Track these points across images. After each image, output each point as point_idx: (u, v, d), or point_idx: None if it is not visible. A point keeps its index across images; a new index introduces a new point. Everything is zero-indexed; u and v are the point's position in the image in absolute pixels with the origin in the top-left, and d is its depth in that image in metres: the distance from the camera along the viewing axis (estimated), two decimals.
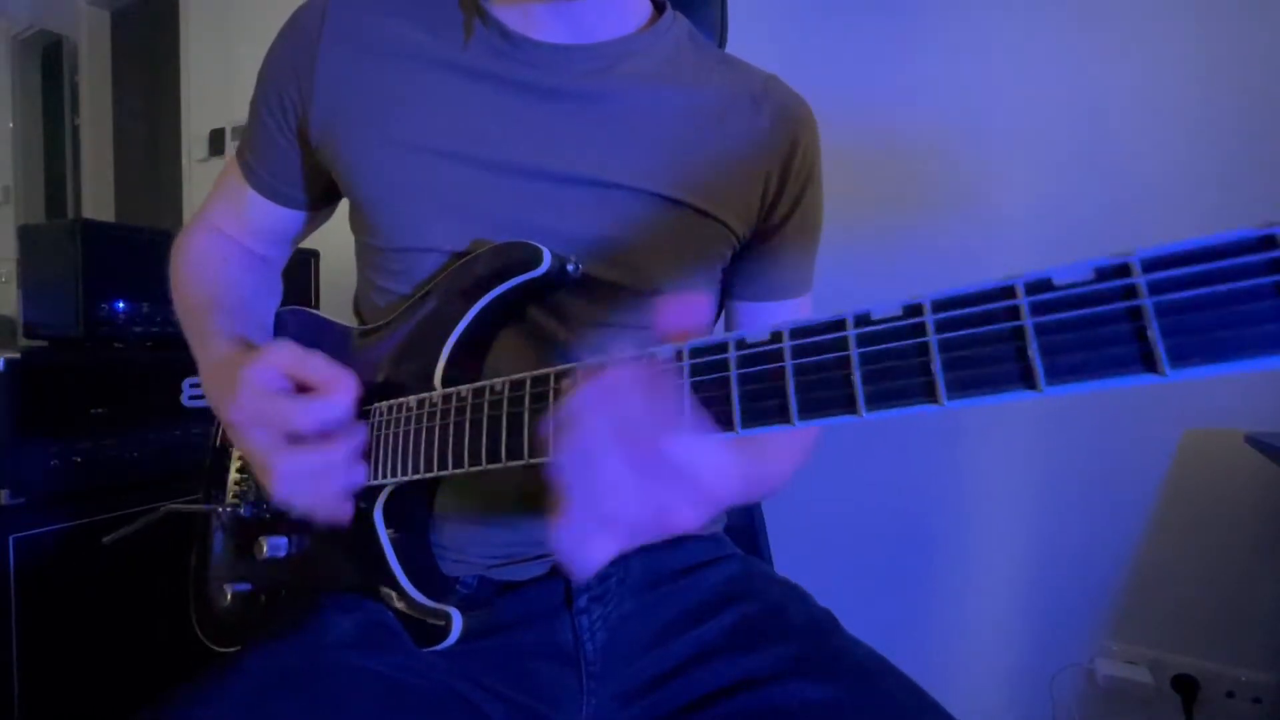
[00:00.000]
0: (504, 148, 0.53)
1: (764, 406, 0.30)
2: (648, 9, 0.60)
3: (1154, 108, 1.01)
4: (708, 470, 0.32)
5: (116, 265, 1.08)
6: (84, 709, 0.97)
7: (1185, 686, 1.00)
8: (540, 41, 0.54)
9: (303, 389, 0.46)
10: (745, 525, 0.77)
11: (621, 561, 0.55)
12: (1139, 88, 1.02)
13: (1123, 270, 0.23)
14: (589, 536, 0.33)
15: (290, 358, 0.45)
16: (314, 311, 0.65)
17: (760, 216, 0.59)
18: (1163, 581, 1.03)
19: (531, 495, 0.52)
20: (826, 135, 0.63)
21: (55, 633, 0.95)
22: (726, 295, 0.63)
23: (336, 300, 1.20)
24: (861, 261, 1.20)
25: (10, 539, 0.91)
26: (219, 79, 2.16)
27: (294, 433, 0.44)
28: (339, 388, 0.45)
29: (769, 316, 0.61)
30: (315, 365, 0.45)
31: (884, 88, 1.19)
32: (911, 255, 1.18)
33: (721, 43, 0.79)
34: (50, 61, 2.81)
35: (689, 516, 0.33)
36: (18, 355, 0.93)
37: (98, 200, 2.73)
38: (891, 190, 1.19)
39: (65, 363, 0.99)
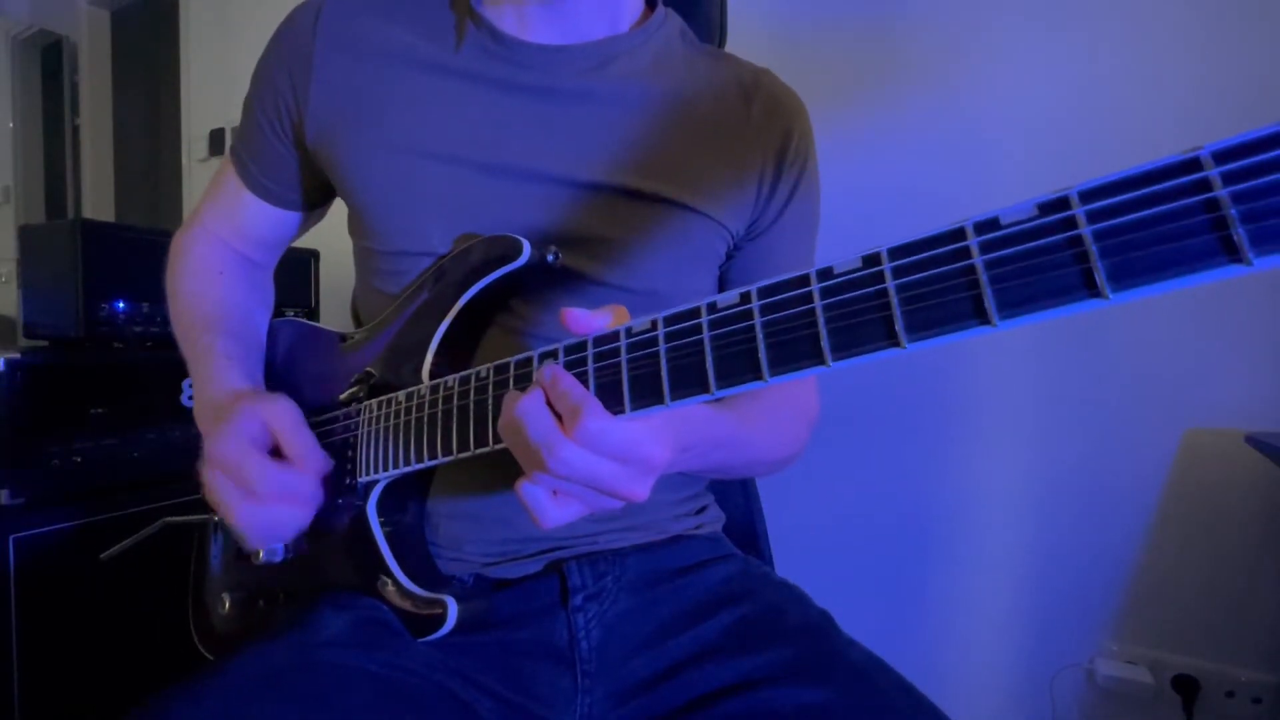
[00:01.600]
0: (498, 150, 0.53)
1: (737, 365, 0.31)
2: (639, 6, 0.60)
3: (1150, 102, 1.01)
4: (645, 446, 0.35)
5: (116, 265, 1.08)
6: (84, 709, 0.97)
7: (1185, 686, 1.00)
8: (531, 43, 0.54)
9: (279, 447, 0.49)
10: (745, 525, 0.77)
11: (618, 560, 0.55)
12: (1134, 84, 1.01)
13: (1062, 203, 0.24)
14: (550, 497, 0.37)
15: (278, 421, 0.49)
16: (305, 321, 0.65)
17: (755, 210, 0.58)
18: (1163, 581, 1.03)
19: None
20: (819, 120, 0.63)
21: (55, 633, 0.94)
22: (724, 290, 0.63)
23: (335, 300, 1.20)
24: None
25: (10, 539, 0.90)
26: (219, 79, 2.16)
27: (253, 492, 0.47)
28: (307, 467, 0.48)
29: None
30: (295, 438, 0.48)
31: (880, 76, 1.19)
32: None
33: (721, 42, 0.79)
34: (50, 61, 2.81)
35: (640, 490, 0.36)
36: (18, 355, 0.93)
37: (98, 200, 2.73)
38: (890, 184, 1.19)
39: (65, 363, 0.98)
